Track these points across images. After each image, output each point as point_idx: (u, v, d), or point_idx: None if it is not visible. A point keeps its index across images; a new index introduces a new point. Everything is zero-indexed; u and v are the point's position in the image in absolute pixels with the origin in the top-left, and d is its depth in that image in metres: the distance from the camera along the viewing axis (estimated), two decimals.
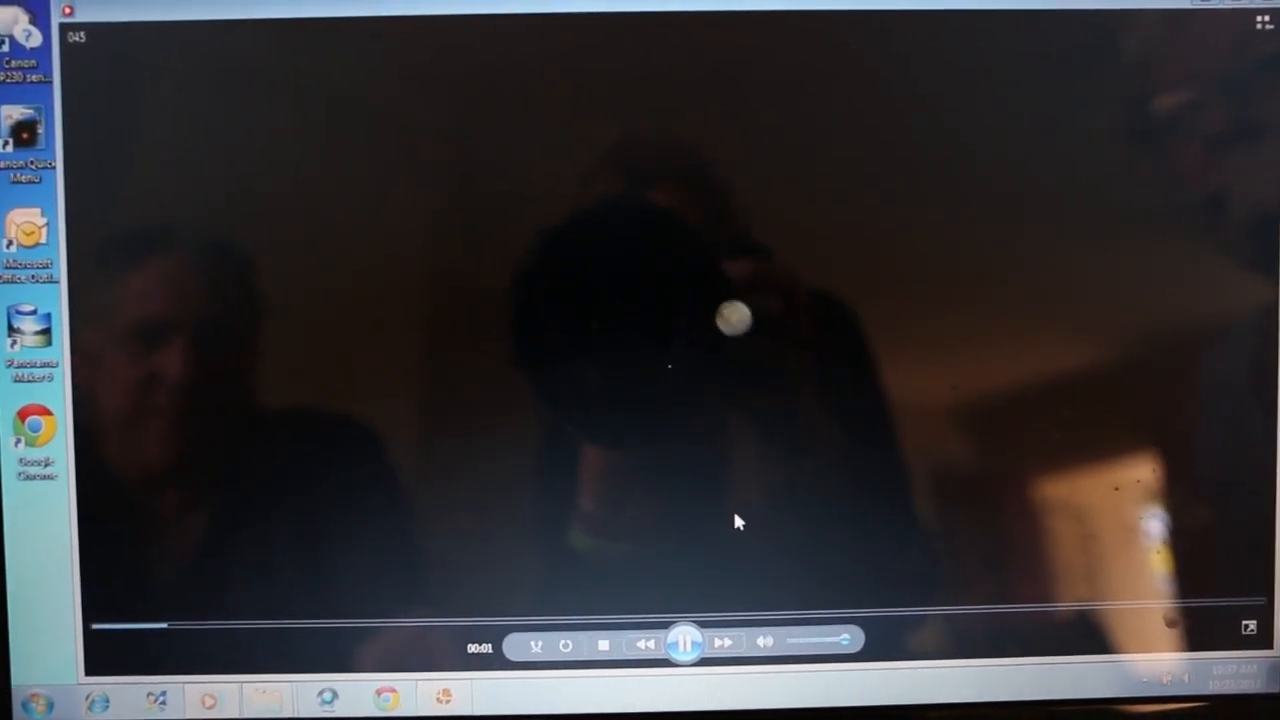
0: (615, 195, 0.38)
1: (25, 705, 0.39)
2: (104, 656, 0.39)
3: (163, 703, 0.39)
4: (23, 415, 0.38)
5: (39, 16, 0.38)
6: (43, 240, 0.38)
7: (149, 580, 0.39)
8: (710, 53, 0.38)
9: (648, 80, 0.38)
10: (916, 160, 0.38)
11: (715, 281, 0.38)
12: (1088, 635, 0.40)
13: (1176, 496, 0.40)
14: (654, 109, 0.38)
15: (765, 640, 0.39)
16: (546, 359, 0.38)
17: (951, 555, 0.40)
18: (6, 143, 0.38)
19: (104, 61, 0.38)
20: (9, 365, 0.38)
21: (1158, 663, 0.40)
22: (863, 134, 0.38)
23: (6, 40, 0.38)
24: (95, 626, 0.39)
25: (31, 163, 0.38)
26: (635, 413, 0.39)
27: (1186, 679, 0.40)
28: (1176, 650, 0.40)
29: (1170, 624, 0.40)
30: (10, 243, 0.38)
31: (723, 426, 0.39)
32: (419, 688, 0.39)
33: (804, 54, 0.38)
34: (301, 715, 0.39)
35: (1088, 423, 0.39)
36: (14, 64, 0.38)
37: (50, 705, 0.39)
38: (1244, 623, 0.40)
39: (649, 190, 0.39)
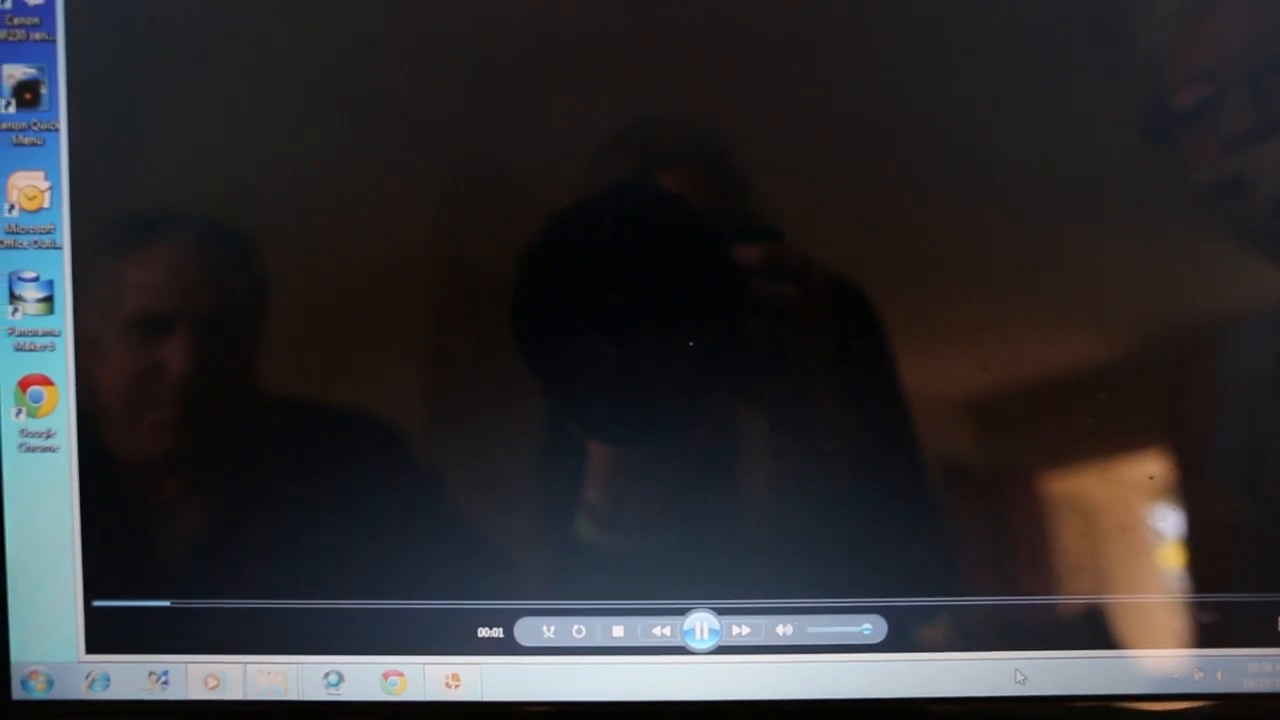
0: (624, 178, 0.37)
1: (24, 683, 0.39)
2: (105, 634, 0.38)
3: (165, 682, 0.39)
4: (24, 385, 0.37)
5: None
6: (45, 205, 0.37)
7: (152, 556, 0.38)
8: (723, 28, 0.37)
9: (658, 58, 0.37)
10: (936, 143, 0.37)
11: (727, 266, 0.37)
12: (1117, 630, 0.39)
13: (1211, 488, 0.38)
14: (665, 88, 0.37)
15: (785, 628, 0.38)
16: (551, 347, 0.37)
17: (977, 544, 0.39)
18: (8, 103, 0.37)
19: (111, 20, 0.37)
20: (10, 333, 0.37)
21: (1189, 659, 0.39)
22: (881, 115, 0.37)
23: None
24: (96, 603, 0.38)
25: (34, 124, 0.37)
26: (643, 404, 0.38)
27: (1219, 676, 0.39)
28: (1209, 647, 0.39)
29: (1203, 620, 0.39)
30: (12, 207, 0.37)
31: (739, 414, 0.38)
32: (427, 671, 0.39)
33: (821, 30, 0.37)
34: (306, 698, 0.39)
35: (1120, 410, 0.38)
36: (16, 21, 0.36)
37: (50, 683, 0.39)
38: None
39: (658, 173, 0.38)
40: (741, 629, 0.39)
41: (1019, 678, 0.39)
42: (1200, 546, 0.39)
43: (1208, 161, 0.37)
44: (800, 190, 0.37)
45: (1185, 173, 0.37)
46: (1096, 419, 0.38)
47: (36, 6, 0.37)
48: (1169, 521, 0.39)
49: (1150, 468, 0.38)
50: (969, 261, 0.37)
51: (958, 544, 0.39)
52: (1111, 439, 0.38)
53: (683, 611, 0.39)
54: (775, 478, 0.38)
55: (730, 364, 0.37)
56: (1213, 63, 0.37)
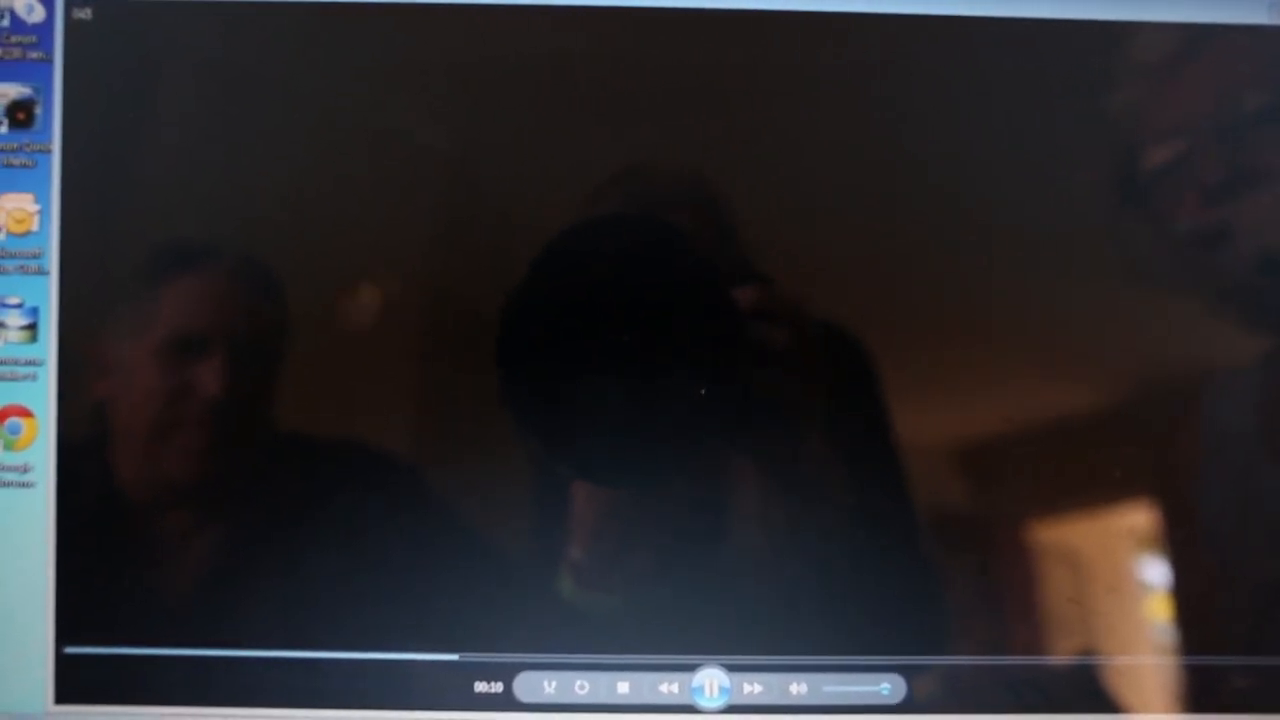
0: (620, 214, 0.37)
1: None
2: (76, 683, 0.36)
3: None
4: (1, 416, 0.36)
5: None
6: (34, 229, 0.36)
7: (130, 602, 0.36)
8: (723, 74, 0.37)
9: (658, 102, 0.37)
10: (930, 198, 0.37)
11: (723, 307, 0.36)
12: (1149, 692, 0.37)
13: (1244, 547, 0.37)
14: (664, 132, 0.37)
15: (799, 687, 0.37)
16: (542, 388, 0.36)
17: (1004, 601, 0.37)
18: (1, 123, 0.35)
19: (111, 41, 0.36)
20: None
21: None
22: (877, 166, 0.37)
23: (6, 14, 0.36)
24: (68, 650, 0.36)
25: (27, 145, 0.36)
26: (642, 446, 0.36)
27: None
28: (1245, 712, 0.37)
29: (1237, 683, 0.37)
30: None
31: (744, 462, 0.37)
32: None
33: (820, 81, 0.37)
34: None
35: (1139, 462, 0.37)
36: (14, 40, 0.36)
37: None
38: None
39: (656, 214, 0.37)
40: (753, 687, 0.37)
41: None
42: (1231, 607, 0.37)
43: (1189, 216, 0.37)
44: (795, 237, 0.37)
45: (1168, 229, 0.37)
46: (1120, 469, 0.37)
47: (35, 25, 0.36)
48: (1197, 581, 0.37)
49: (1176, 525, 0.37)
50: (963, 314, 0.37)
51: (981, 600, 0.37)
52: (1131, 493, 0.37)
53: (691, 668, 0.37)
54: (787, 528, 0.37)
55: (729, 409, 0.36)
56: (1184, 120, 0.37)
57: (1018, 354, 0.37)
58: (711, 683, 0.37)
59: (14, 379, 0.36)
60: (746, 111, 0.37)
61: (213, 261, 0.37)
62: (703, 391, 0.36)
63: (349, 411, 0.37)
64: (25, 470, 0.36)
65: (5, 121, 0.35)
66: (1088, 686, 0.37)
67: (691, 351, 0.36)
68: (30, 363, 0.36)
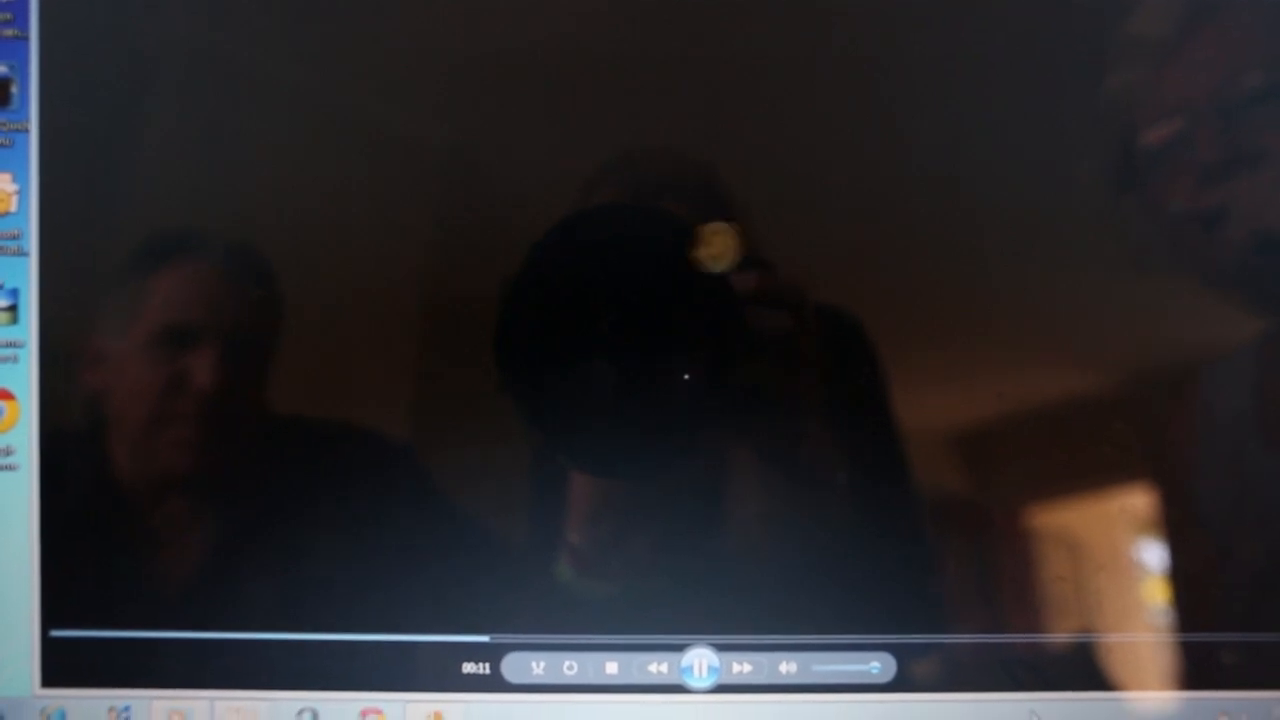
0: (617, 206, 0.37)
1: None
2: (63, 666, 0.36)
3: (126, 718, 0.36)
4: None
5: None
6: (12, 209, 0.35)
7: (115, 585, 0.36)
8: (719, 61, 0.37)
9: (654, 89, 0.36)
10: (928, 183, 0.37)
11: (721, 296, 0.36)
12: (1138, 669, 0.37)
13: (1230, 526, 0.37)
14: (660, 119, 0.37)
15: (788, 666, 0.37)
16: (537, 376, 0.36)
17: (993, 580, 0.37)
18: None
19: (88, 17, 0.36)
20: None
21: (1212, 701, 0.37)
22: (874, 151, 0.37)
23: None
24: (54, 633, 0.36)
25: (3, 124, 0.35)
26: (636, 435, 0.36)
27: (1244, 719, 0.37)
28: (1232, 689, 0.37)
29: (1227, 659, 0.37)
30: None
31: (737, 446, 0.37)
32: (408, 710, 0.36)
33: (818, 67, 0.37)
34: None
35: (1131, 443, 0.37)
36: None
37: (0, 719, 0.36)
38: None
39: (654, 201, 0.37)
40: (743, 666, 0.37)
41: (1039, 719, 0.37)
42: (1222, 585, 0.37)
43: (1186, 197, 0.37)
44: (793, 222, 0.37)
45: (1166, 210, 0.37)
46: (1112, 450, 0.37)
47: (9, 3, 0.35)
48: (1188, 560, 0.37)
49: (1169, 504, 0.37)
50: (960, 297, 0.37)
51: (971, 579, 0.37)
52: (1131, 471, 0.37)
53: (680, 648, 0.37)
54: (777, 510, 0.37)
55: (726, 395, 0.36)
56: (1181, 100, 0.37)
57: (1014, 335, 0.37)
58: (700, 662, 0.37)
59: None
60: (743, 96, 0.37)
61: (199, 246, 0.37)
62: (685, 377, 0.36)
63: (344, 399, 0.37)
64: (8, 453, 0.35)
65: None
66: (1078, 664, 0.37)
67: (691, 339, 0.36)
68: (11, 345, 0.35)
